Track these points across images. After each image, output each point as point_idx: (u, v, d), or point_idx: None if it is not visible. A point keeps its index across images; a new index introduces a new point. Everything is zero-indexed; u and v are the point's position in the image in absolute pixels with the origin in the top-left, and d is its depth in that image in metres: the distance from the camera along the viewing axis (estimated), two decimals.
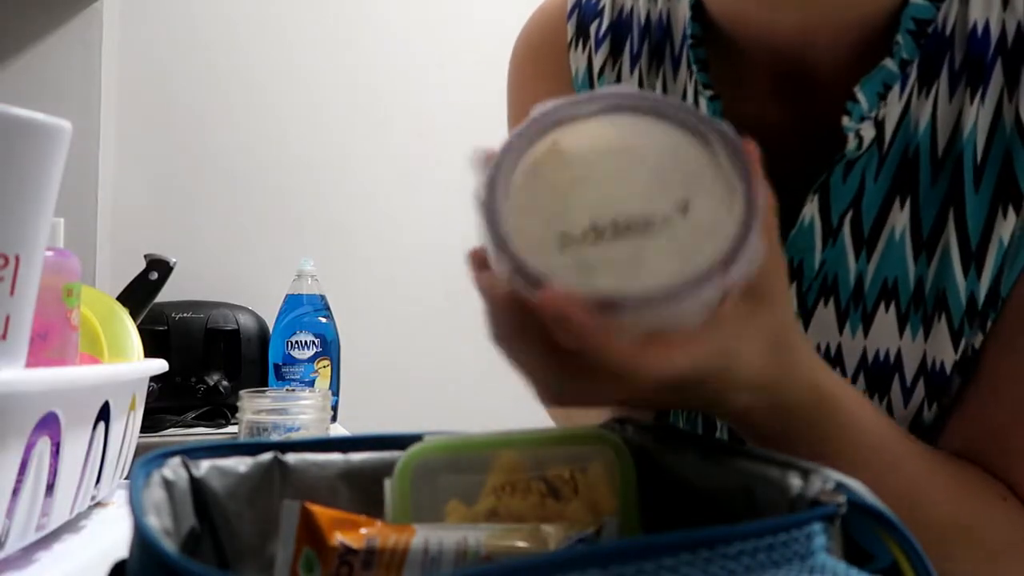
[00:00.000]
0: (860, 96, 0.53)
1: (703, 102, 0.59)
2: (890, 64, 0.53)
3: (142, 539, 0.25)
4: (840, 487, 0.29)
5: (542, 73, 0.68)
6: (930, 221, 0.55)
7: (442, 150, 1.83)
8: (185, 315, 1.49)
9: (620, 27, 0.64)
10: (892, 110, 0.54)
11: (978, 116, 0.53)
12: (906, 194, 0.55)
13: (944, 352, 0.54)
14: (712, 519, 0.34)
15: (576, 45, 0.65)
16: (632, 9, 0.64)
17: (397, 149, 1.82)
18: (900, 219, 0.55)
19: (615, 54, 0.64)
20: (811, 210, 0.56)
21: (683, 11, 0.62)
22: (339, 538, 0.32)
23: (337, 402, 1.45)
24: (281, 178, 1.78)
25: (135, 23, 1.72)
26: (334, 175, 1.80)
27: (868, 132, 0.54)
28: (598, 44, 0.65)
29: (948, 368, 0.54)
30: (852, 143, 0.54)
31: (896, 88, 0.54)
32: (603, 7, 0.65)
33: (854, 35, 0.54)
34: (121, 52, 1.71)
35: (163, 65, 1.74)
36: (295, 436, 0.78)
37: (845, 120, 0.53)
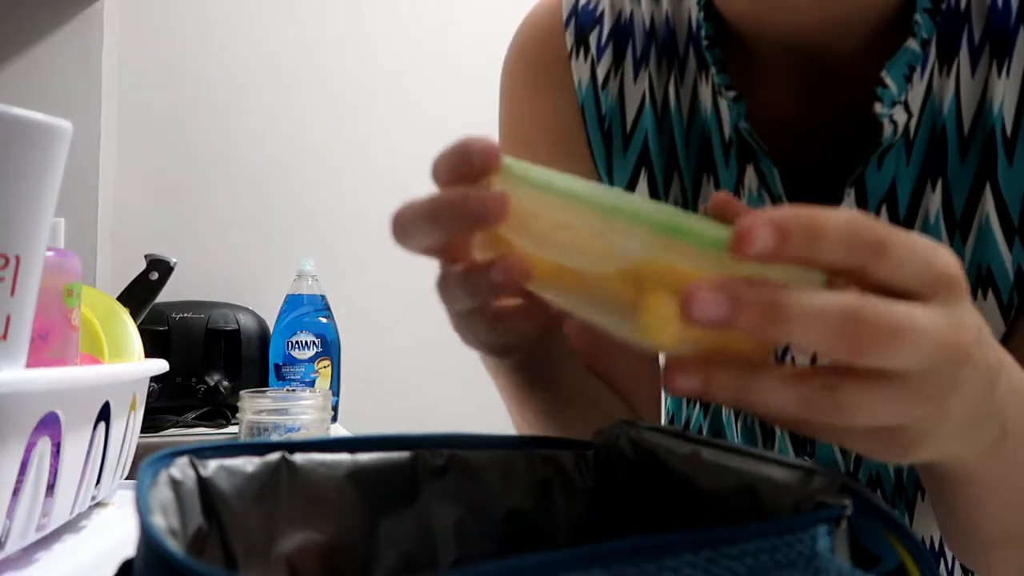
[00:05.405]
0: (888, 80, 0.52)
1: (724, 104, 0.58)
2: (913, 44, 0.53)
3: (148, 539, 0.24)
4: (845, 489, 0.29)
5: (543, 85, 0.65)
6: (962, 200, 0.54)
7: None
8: (185, 315, 1.49)
9: (621, 33, 0.63)
10: (916, 92, 0.54)
11: (1005, 88, 0.53)
12: (936, 175, 0.55)
13: (994, 328, 0.53)
14: (716, 520, 0.34)
15: (577, 55, 0.63)
16: (632, 13, 0.63)
17: (399, 149, 1.82)
18: (933, 201, 0.55)
19: (618, 61, 0.63)
20: (848, 204, 0.56)
21: (687, 12, 0.61)
22: None
23: (337, 402, 1.45)
24: (282, 178, 1.78)
25: (135, 23, 1.72)
26: (335, 175, 1.80)
27: (900, 116, 0.53)
28: (600, 53, 0.63)
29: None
30: (888, 129, 0.53)
31: (917, 69, 0.54)
32: (601, 13, 0.63)
33: (873, 22, 0.53)
34: (121, 52, 1.71)
35: (163, 65, 1.74)
36: (296, 436, 0.78)
37: (878, 107, 0.52)
